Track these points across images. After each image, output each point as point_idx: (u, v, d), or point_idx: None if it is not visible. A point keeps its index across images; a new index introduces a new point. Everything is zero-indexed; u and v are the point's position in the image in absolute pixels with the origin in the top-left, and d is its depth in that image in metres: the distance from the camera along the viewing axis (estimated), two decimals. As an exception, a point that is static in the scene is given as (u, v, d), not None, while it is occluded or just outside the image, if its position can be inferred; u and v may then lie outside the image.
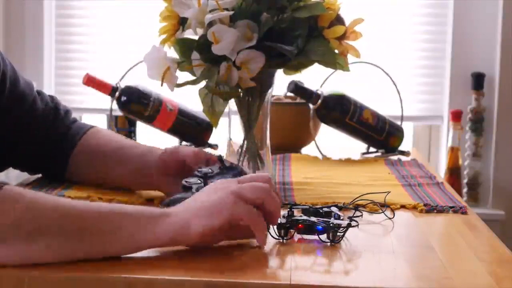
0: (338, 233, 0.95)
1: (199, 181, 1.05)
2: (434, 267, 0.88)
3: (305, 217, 0.99)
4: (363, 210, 1.13)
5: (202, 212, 0.88)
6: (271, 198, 0.91)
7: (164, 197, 1.16)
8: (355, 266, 0.89)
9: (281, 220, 0.96)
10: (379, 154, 1.73)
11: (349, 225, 0.96)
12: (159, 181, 1.19)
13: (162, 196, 1.19)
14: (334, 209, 1.05)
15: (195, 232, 0.87)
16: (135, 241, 0.86)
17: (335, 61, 1.22)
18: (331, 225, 0.96)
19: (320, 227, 0.96)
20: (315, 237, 0.96)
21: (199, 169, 1.08)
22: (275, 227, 0.96)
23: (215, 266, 0.86)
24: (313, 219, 0.98)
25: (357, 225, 1.00)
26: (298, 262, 0.89)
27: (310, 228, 0.97)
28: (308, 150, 1.77)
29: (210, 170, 1.08)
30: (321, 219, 0.98)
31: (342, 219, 1.01)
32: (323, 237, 0.96)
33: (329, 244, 0.95)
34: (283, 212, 0.98)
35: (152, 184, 1.21)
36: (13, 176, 1.76)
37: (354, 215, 1.01)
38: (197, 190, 0.98)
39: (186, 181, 1.05)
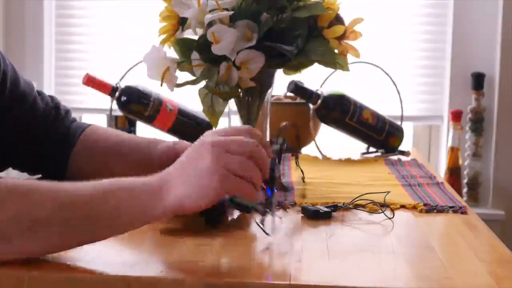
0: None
1: None
2: (434, 267, 0.88)
3: (267, 191, 0.97)
4: (363, 210, 1.13)
5: (193, 189, 0.87)
6: (258, 151, 0.90)
7: None
8: (355, 266, 0.89)
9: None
10: (379, 154, 1.73)
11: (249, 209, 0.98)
12: None
13: None
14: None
15: (189, 209, 0.87)
16: (132, 222, 0.87)
17: (335, 61, 1.22)
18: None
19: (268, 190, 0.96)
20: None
21: None
22: None
23: (215, 267, 0.86)
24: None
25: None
26: (297, 262, 0.89)
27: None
28: (308, 150, 1.77)
29: None
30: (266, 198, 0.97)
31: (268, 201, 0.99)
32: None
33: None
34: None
35: None
36: (13, 176, 1.76)
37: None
38: None
39: None
